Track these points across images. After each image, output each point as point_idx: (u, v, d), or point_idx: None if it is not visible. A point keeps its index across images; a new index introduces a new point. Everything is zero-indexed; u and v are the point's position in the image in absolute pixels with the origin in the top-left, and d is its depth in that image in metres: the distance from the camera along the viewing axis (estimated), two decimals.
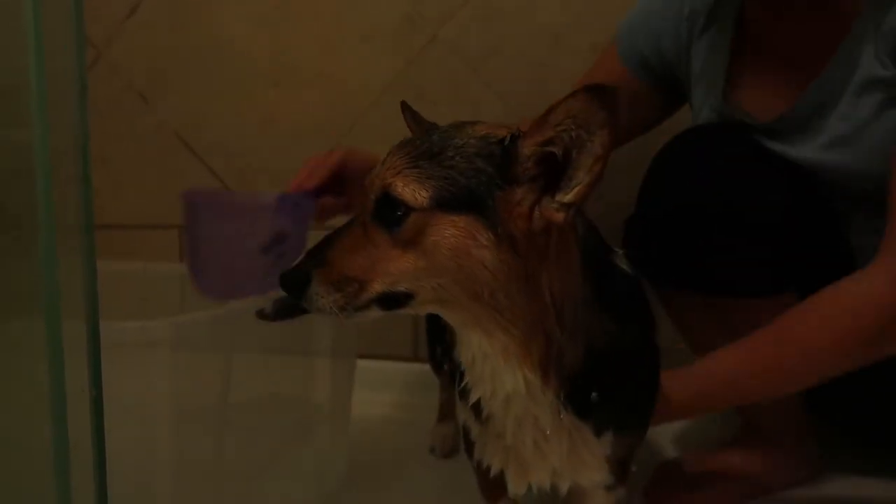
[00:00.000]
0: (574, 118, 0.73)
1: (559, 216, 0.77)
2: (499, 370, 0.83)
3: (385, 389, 1.77)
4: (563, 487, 0.93)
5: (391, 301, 0.80)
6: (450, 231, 0.76)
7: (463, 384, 0.88)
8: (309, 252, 0.81)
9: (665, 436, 1.59)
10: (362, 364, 1.46)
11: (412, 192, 0.77)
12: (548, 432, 0.86)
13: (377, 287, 0.79)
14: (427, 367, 1.56)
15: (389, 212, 0.77)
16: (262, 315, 1.13)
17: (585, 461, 0.89)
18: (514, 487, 0.94)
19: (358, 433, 1.45)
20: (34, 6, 0.54)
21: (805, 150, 1.20)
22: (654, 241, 1.25)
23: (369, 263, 0.79)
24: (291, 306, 1.17)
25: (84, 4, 0.60)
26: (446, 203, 0.76)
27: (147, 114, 2.09)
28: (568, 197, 0.76)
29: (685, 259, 1.22)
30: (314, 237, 0.88)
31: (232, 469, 1.15)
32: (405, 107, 1.00)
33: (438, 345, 1.22)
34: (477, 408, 0.89)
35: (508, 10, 1.81)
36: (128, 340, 0.97)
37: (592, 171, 0.74)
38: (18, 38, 0.53)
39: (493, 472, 0.94)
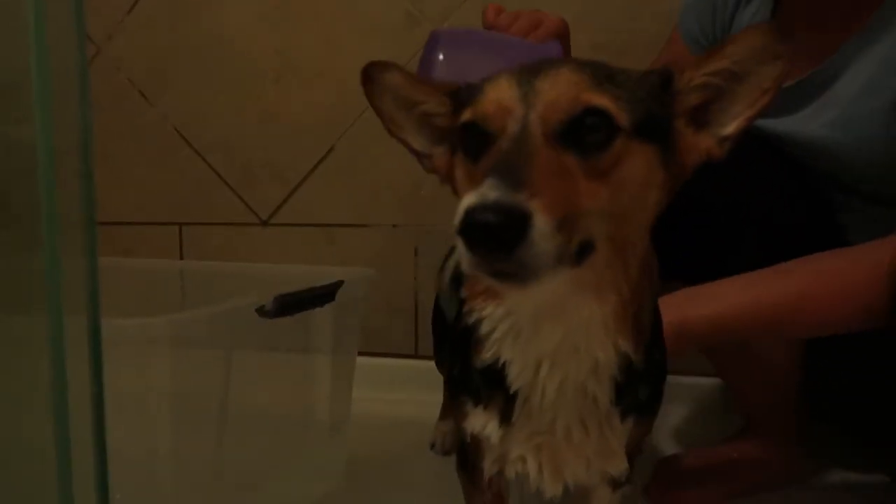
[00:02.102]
0: (751, 50, 0.71)
1: (719, 150, 0.73)
2: (592, 341, 0.73)
3: (385, 386, 1.77)
4: (594, 479, 0.85)
5: (584, 252, 0.64)
6: (641, 162, 0.67)
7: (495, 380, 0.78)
8: (501, 176, 0.58)
9: (664, 433, 1.59)
10: (362, 361, 1.46)
11: (617, 110, 0.65)
12: (602, 416, 0.78)
13: (584, 230, 0.62)
14: (428, 363, 1.56)
15: (586, 134, 0.65)
16: (262, 312, 1.13)
17: (614, 449, 0.83)
18: (552, 488, 0.84)
19: (358, 430, 1.45)
20: (36, 3, 0.54)
21: (809, 126, 1.18)
22: (658, 238, 1.24)
23: (576, 198, 0.62)
24: (291, 303, 1.18)
25: (85, 1, 0.60)
26: (640, 129, 0.67)
27: (147, 110, 2.09)
28: (728, 129, 0.73)
29: (692, 257, 1.21)
30: None
31: (232, 466, 1.15)
32: (387, 66, 0.81)
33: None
34: (509, 407, 0.80)
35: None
36: (128, 338, 0.97)
37: (758, 104, 0.72)
38: (20, 35, 0.53)
39: (532, 474, 0.83)
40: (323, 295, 1.25)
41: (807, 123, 1.18)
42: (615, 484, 0.92)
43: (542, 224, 0.57)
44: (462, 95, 0.76)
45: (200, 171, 2.06)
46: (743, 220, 1.18)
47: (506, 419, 0.81)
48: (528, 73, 0.69)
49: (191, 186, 2.08)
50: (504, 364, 0.77)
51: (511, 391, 0.78)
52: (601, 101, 0.66)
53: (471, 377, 0.82)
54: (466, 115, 0.70)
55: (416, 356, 1.93)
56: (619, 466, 0.85)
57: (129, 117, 2.09)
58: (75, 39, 0.56)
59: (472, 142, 0.70)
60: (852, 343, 1.06)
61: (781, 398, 1.34)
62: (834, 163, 1.17)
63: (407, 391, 1.78)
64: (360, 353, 1.45)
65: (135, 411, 1.00)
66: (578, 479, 0.84)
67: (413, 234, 1.93)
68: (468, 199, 0.57)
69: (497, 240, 0.56)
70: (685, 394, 1.73)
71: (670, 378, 1.83)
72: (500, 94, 0.68)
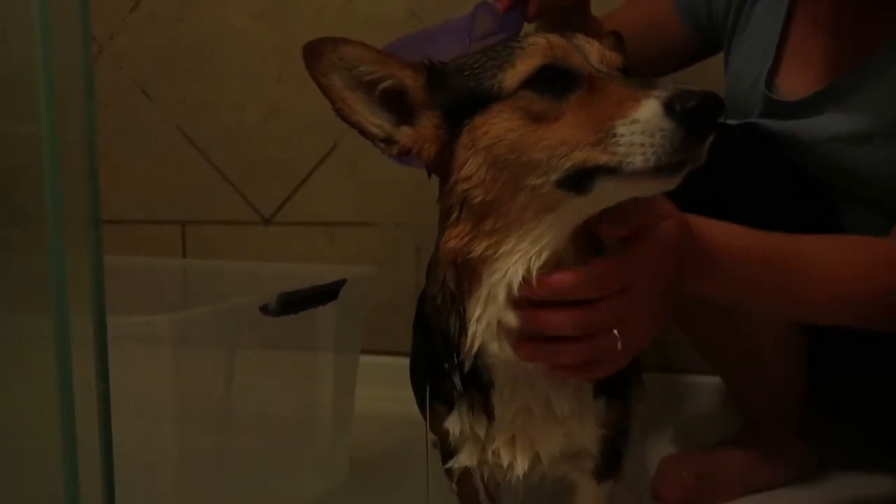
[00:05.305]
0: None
1: None
2: None
3: (387, 384, 1.77)
4: (570, 448, 0.87)
5: None
6: None
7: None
8: (652, 84, 0.70)
9: (665, 433, 1.59)
10: (365, 359, 1.46)
11: None
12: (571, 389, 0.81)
13: None
14: None
15: None
16: (265, 310, 1.13)
17: (585, 422, 0.85)
18: (522, 466, 0.85)
19: (360, 428, 1.45)
20: (41, 1, 0.54)
21: (824, 137, 1.15)
22: None
23: None
24: (294, 302, 1.18)
25: None
26: None
27: (150, 109, 2.09)
28: None
29: None
30: None
31: (234, 464, 1.15)
32: (343, 41, 0.77)
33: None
34: (487, 402, 0.83)
35: None
36: (131, 335, 0.97)
37: None
38: (26, 32, 0.53)
39: (514, 463, 0.85)
40: (326, 293, 1.25)
41: (820, 129, 1.16)
42: (600, 477, 0.92)
43: None
44: (445, 68, 0.79)
45: (203, 170, 2.06)
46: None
47: (488, 411, 0.83)
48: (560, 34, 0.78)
49: (193, 185, 2.08)
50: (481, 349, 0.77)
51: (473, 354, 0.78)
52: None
53: (442, 381, 0.85)
54: (534, 62, 0.73)
55: None
56: (589, 436, 0.85)
57: (131, 115, 2.09)
58: (80, 38, 0.56)
59: (547, 83, 0.73)
60: (855, 338, 1.05)
61: (782, 397, 1.34)
62: (843, 173, 1.16)
63: (409, 389, 1.78)
64: (363, 352, 1.45)
65: (138, 409, 1.01)
66: (554, 451, 0.85)
67: (415, 232, 1.93)
68: (675, 89, 0.65)
69: (715, 119, 0.65)
70: (685, 394, 1.73)
71: (671, 378, 1.83)
72: (560, 42, 0.75)
